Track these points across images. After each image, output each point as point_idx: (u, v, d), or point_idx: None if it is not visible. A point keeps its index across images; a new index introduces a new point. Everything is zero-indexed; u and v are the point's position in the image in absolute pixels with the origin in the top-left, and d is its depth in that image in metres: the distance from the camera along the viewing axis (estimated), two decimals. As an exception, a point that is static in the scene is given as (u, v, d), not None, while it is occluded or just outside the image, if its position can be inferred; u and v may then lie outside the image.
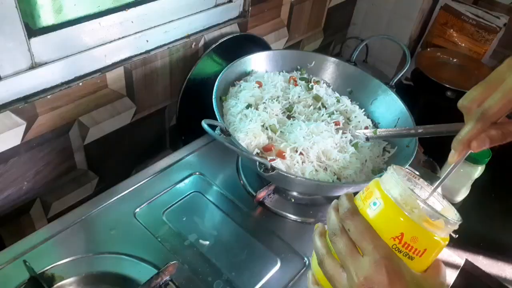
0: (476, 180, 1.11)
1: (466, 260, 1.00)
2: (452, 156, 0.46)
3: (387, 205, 0.42)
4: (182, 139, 1.05)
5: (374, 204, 0.43)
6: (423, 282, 0.41)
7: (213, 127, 0.68)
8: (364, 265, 0.40)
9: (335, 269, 0.42)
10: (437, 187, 0.46)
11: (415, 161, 0.95)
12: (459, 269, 1.00)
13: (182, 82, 0.97)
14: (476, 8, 1.38)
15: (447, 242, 0.42)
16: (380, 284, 0.39)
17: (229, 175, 0.89)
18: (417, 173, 0.50)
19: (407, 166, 0.53)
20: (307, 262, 0.74)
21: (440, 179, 0.47)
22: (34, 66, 0.71)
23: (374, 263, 0.39)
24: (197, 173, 0.87)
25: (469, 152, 0.46)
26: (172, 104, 1.02)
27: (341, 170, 0.76)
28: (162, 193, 0.82)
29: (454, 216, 0.44)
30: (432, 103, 1.33)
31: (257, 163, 0.66)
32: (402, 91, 0.89)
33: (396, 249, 0.41)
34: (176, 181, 0.85)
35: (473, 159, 1.06)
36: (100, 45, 0.79)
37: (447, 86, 1.26)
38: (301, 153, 0.75)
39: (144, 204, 0.79)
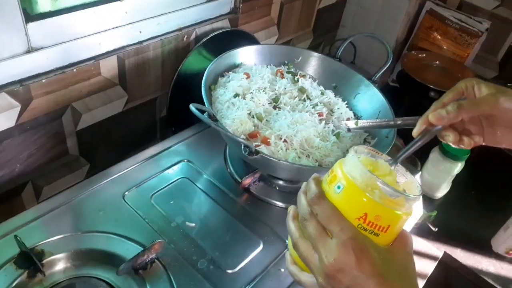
0: (457, 176, 1.15)
1: (445, 252, 1.04)
2: (416, 130, 0.53)
3: (349, 187, 0.44)
4: (172, 131, 1.08)
5: (338, 187, 0.44)
6: (390, 255, 0.44)
7: (201, 112, 0.71)
8: (332, 247, 0.42)
9: (308, 251, 0.45)
10: (398, 157, 0.50)
11: (395, 155, 0.99)
12: (437, 261, 1.03)
13: (173, 74, 1.01)
14: (460, 13, 1.43)
15: (410, 215, 0.45)
16: (348, 263, 0.41)
17: (217, 164, 0.92)
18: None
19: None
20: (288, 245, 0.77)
21: (403, 150, 0.51)
22: (30, 50, 0.74)
23: (342, 244, 0.42)
24: (186, 160, 0.90)
25: (433, 129, 0.52)
26: (163, 95, 1.05)
27: (323, 157, 0.80)
28: (151, 177, 0.85)
29: (415, 190, 0.46)
30: (416, 103, 1.38)
31: (242, 146, 0.70)
32: (389, 92, 0.93)
33: (362, 228, 0.43)
34: (165, 167, 0.88)
35: (453, 156, 1.10)
36: (95, 33, 0.82)
37: (431, 86, 1.31)
38: (285, 141, 0.79)
39: (133, 188, 0.82)
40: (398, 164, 0.49)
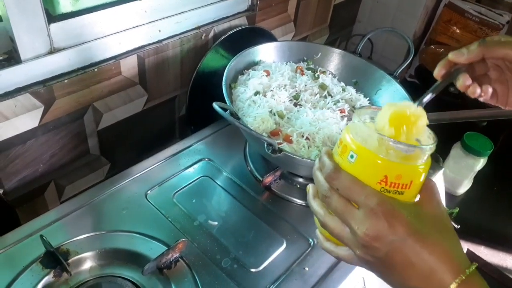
0: (479, 172, 1.13)
1: (468, 250, 1.02)
2: (437, 71, 0.55)
3: (363, 155, 0.42)
4: (191, 129, 1.08)
5: (351, 157, 0.43)
6: (420, 209, 0.43)
7: (223, 110, 0.71)
8: (361, 217, 0.41)
9: (338, 227, 0.44)
10: (421, 100, 0.52)
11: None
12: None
13: (192, 73, 1.00)
14: (480, 5, 1.41)
15: (429, 164, 0.43)
16: (381, 229, 0.40)
17: (237, 162, 0.92)
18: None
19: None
20: (312, 244, 0.77)
21: (425, 93, 0.53)
22: (52, 51, 0.75)
23: (370, 212, 0.41)
24: (206, 159, 0.90)
25: (453, 70, 0.54)
26: (182, 94, 1.05)
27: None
28: (173, 176, 0.85)
29: (428, 139, 0.44)
30: (436, 98, 1.35)
31: (265, 144, 0.69)
32: (406, 88, 0.91)
33: (385, 190, 0.42)
34: (185, 166, 0.88)
35: (475, 152, 1.08)
36: (115, 33, 0.82)
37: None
38: (307, 138, 0.78)
39: (155, 187, 0.82)
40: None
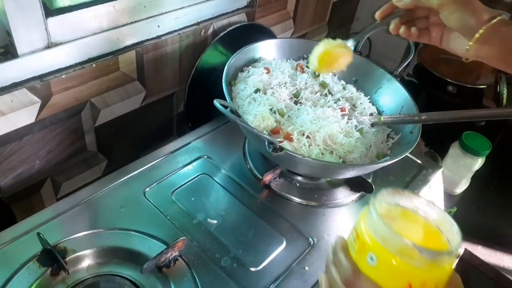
0: (476, 172, 1.13)
1: (465, 249, 1.03)
2: (379, 12, 0.69)
3: (385, 258, 0.40)
4: (189, 126, 1.07)
5: (371, 259, 0.40)
6: None
7: (224, 107, 0.70)
8: None
9: None
10: (358, 37, 0.69)
11: (417, 152, 0.98)
12: (458, 258, 1.02)
13: (191, 69, 0.99)
14: (479, 5, 1.40)
15: (455, 260, 0.41)
16: None
17: (236, 159, 0.91)
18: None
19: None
20: (311, 243, 0.76)
21: (364, 31, 0.68)
22: (50, 45, 0.73)
23: None
24: (205, 156, 0.89)
25: (395, 14, 0.67)
26: (180, 90, 1.04)
27: (346, 154, 0.78)
28: (171, 174, 0.84)
29: (451, 232, 0.42)
30: (434, 97, 1.36)
31: (266, 143, 0.68)
32: (405, 86, 0.91)
33: None
34: (184, 163, 0.87)
35: (473, 151, 1.08)
36: (114, 28, 0.81)
37: (449, 80, 1.29)
38: (308, 137, 0.77)
39: (153, 184, 0.81)
40: (422, 197, 0.46)
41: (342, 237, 0.45)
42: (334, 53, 0.72)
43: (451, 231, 0.42)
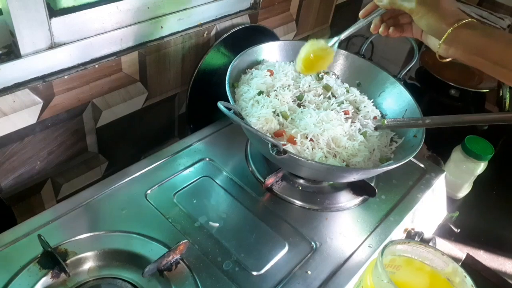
0: (479, 176, 1.13)
1: (467, 254, 1.02)
2: (363, 11, 0.76)
3: None
4: (190, 128, 1.07)
5: None
6: None
7: (227, 109, 0.69)
8: None
9: None
10: (341, 35, 0.76)
11: (419, 156, 0.97)
12: (460, 263, 1.01)
13: (193, 70, 0.99)
14: (481, 9, 1.40)
15: None
16: None
17: (238, 162, 0.90)
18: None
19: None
20: (314, 247, 0.76)
21: (347, 30, 0.74)
22: (53, 46, 0.73)
23: None
24: (207, 159, 0.89)
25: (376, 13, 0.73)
26: (182, 92, 1.04)
27: (350, 157, 0.78)
28: (173, 176, 0.83)
29: (463, 281, 0.42)
30: (436, 101, 1.35)
31: (270, 146, 0.68)
32: (407, 89, 0.91)
33: None
34: (186, 165, 0.86)
35: (476, 155, 1.08)
36: (117, 28, 0.81)
37: (451, 84, 1.28)
38: (311, 140, 0.77)
39: (155, 186, 0.81)
40: (435, 247, 0.47)
41: None
42: (315, 55, 0.77)
43: (464, 283, 0.42)
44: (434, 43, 0.68)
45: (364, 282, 0.44)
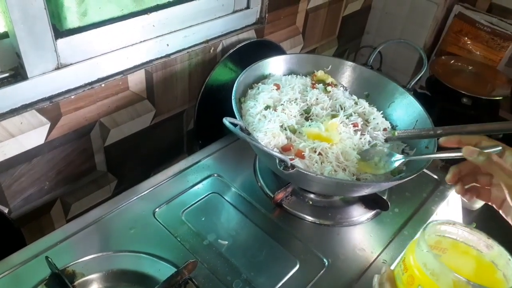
0: (495, 186, 1.10)
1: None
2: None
3: None
4: (199, 144, 1.06)
5: None
6: None
7: (233, 125, 0.69)
8: None
9: None
10: None
11: (432, 167, 0.95)
12: None
13: (201, 86, 0.99)
14: (491, 16, 1.38)
15: None
16: None
17: (247, 177, 0.89)
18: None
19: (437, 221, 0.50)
20: (326, 264, 0.74)
21: None
22: (59, 67, 0.73)
23: None
24: (215, 175, 0.88)
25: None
26: (190, 108, 1.04)
27: (360, 171, 0.76)
28: (181, 193, 0.83)
29: (510, 271, 0.41)
30: (448, 110, 1.33)
31: (277, 161, 0.67)
32: (417, 100, 0.89)
33: None
34: (194, 182, 0.86)
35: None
36: (123, 47, 0.81)
37: (463, 92, 1.26)
38: (320, 153, 0.75)
39: (163, 204, 0.80)
40: (476, 229, 0.46)
41: (389, 268, 0.45)
42: None
43: (508, 266, 0.41)
44: None
45: (406, 263, 0.42)
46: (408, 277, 0.41)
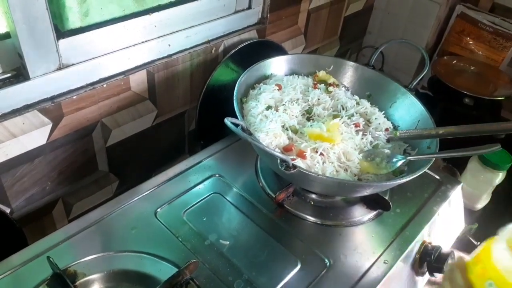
0: (497, 186, 1.10)
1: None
2: None
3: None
4: (201, 144, 1.06)
5: (490, 286, 0.42)
6: None
7: (235, 125, 0.69)
8: None
9: None
10: None
11: (434, 167, 0.95)
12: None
13: (202, 87, 0.99)
14: (493, 16, 1.38)
15: None
16: None
17: (248, 178, 0.89)
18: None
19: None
20: (327, 264, 0.74)
21: None
22: (61, 67, 0.73)
23: None
24: (217, 175, 0.88)
25: None
26: (192, 109, 1.04)
27: (362, 171, 0.76)
28: (183, 194, 0.83)
29: None
30: (450, 110, 1.32)
31: (279, 161, 0.67)
32: (419, 99, 0.89)
33: None
34: (196, 182, 0.86)
35: (493, 165, 1.05)
36: (124, 48, 0.81)
37: (465, 92, 1.26)
38: (321, 154, 0.75)
39: (164, 204, 0.80)
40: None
41: (463, 257, 0.46)
42: None
43: None
44: None
45: (481, 256, 0.44)
46: (481, 270, 0.43)
